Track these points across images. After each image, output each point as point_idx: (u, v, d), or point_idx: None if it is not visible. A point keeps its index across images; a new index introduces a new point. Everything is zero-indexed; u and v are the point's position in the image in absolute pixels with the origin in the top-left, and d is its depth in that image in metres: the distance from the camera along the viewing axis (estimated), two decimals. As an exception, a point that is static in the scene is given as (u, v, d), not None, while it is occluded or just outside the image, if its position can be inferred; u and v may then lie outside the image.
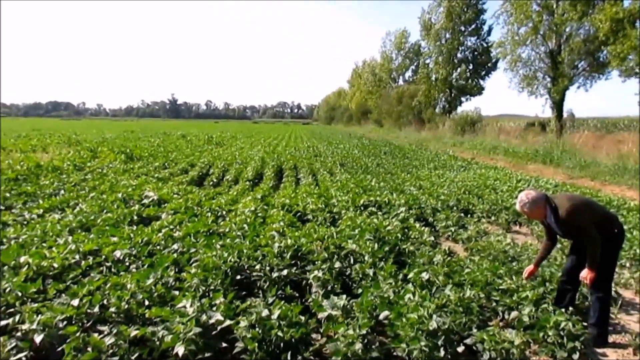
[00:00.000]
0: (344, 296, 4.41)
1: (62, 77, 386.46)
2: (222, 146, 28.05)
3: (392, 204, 9.47)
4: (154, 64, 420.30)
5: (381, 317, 4.16)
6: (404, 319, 3.91)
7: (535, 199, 4.44)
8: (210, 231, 6.99)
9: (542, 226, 4.83)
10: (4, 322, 3.88)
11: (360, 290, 4.91)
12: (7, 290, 4.39)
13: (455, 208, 9.61)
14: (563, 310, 4.25)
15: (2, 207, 8.68)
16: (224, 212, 8.72)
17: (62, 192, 10.43)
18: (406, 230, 7.41)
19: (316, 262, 5.51)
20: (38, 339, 3.58)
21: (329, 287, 4.97)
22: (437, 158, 22.12)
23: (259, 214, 8.38)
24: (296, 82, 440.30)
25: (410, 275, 5.15)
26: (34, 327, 3.67)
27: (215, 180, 14.12)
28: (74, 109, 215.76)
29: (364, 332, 3.69)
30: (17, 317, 3.88)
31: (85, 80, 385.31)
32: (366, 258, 5.67)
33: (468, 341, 3.88)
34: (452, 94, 46.96)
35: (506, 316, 4.57)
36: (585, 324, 4.22)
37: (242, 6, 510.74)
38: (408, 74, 67.26)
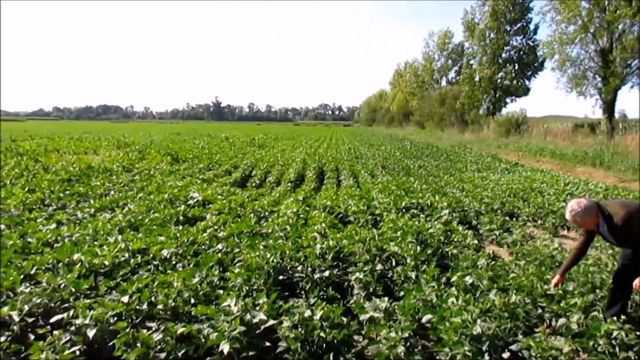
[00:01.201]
0: (386, 298, 4.39)
1: (112, 81, 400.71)
2: (265, 148, 28.39)
3: (434, 207, 9.36)
4: (198, 67, 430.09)
5: (424, 320, 4.12)
6: (447, 323, 3.86)
7: (588, 208, 4.28)
8: (254, 232, 7.10)
9: (585, 233, 4.65)
10: (59, 317, 4.05)
11: (402, 293, 4.88)
12: (62, 286, 4.57)
13: (499, 211, 9.41)
14: (615, 318, 4.09)
15: (57, 206, 9.09)
16: (267, 213, 8.83)
17: (112, 192, 10.83)
18: (449, 233, 7.31)
19: (358, 264, 5.52)
20: (91, 333, 3.72)
21: (371, 289, 4.97)
22: (480, 160, 21.69)
23: (301, 216, 8.44)
24: (337, 84, 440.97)
25: (454, 278, 5.08)
26: (86, 322, 3.82)
27: (257, 181, 14.31)
28: (122, 112, 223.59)
29: (406, 335, 3.67)
30: (71, 312, 4.05)
31: (134, 84, 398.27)
32: (408, 261, 5.63)
33: (513, 347, 3.79)
34: (497, 95, 45.89)
35: (553, 323, 4.43)
36: (638, 333, 4.05)
37: (284, 9, 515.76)
38: (451, 75, 66.21)
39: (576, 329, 4.12)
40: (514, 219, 9.17)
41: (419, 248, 5.99)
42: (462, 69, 52.64)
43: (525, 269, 5.49)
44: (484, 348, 3.59)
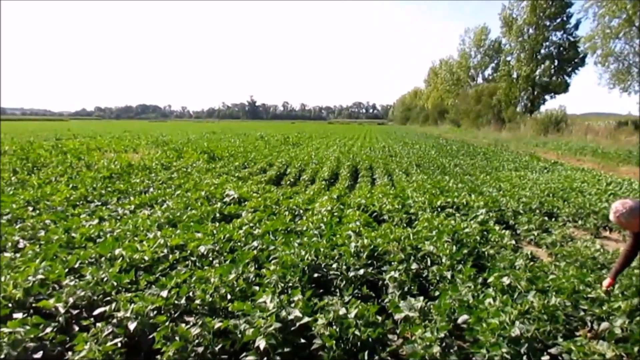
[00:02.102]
0: (421, 298, 4.36)
1: (151, 81, 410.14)
2: (299, 146, 28.54)
3: (470, 206, 9.23)
4: (234, 67, 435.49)
5: (460, 320, 4.07)
6: (484, 324, 3.81)
7: (633, 209, 4.14)
8: (288, 229, 7.15)
9: (633, 235, 4.50)
10: (101, 309, 4.19)
11: (437, 293, 4.84)
12: (104, 279, 4.72)
13: (538, 211, 9.19)
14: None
15: (99, 203, 9.39)
16: (301, 211, 8.89)
17: (151, 189, 11.10)
18: (485, 233, 7.19)
19: (392, 263, 5.50)
20: (132, 326, 3.83)
21: (406, 289, 4.94)
22: (518, 159, 21.24)
23: (335, 214, 8.46)
24: (371, 82, 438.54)
25: (490, 279, 5.00)
26: (128, 315, 3.93)
27: (292, 179, 14.41)
28: (160, 111, 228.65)
29: (442, 335, 3.64)
30: (113, 305, 4.17)
31: (171, 84, 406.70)
32: (444, 260, 5.57)
33: (553, 351, 3.70)
34: (535, 92, 44.83)
35: (595, 327, 4.31)
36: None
37: (317, 8, 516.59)
38: (487, 72, 65.22)
39: (620, 333, 3.99)
40: (553, 219, 8.95)
41: (454, 247, 5.92)
42: (499, 66, 51.72)
43: (566, 271, 5.35)
44: (522, 350, 3.53)
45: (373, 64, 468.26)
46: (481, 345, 3.61)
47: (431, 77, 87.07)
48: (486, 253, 6.14)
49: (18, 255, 5.68)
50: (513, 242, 6.80)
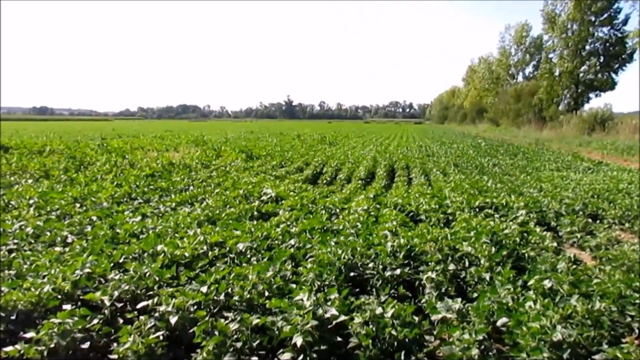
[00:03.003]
0: (459, 299, 4.31)
1: (191, 82, 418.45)
2: (335, 146, 28.57)
3: (509, 207, 9.04)
4: (271, 67, 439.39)
5: (499, 323, 4.01)
6: (524, 328, 3.73)
7: None
8: (325, 228, 7.19)
9: None
10: (144, 303, 4.32)
11: (475, 295, 4.77)
12: (147, 274, 4.86)
13: (581, 213, 8.92)
14: None
15: (142, 200, 9.68)
16: (338, 210, 8.91)
17: (191, 188, 11.35)
18: (525, 234, 7.03)
19: (429, 263, 5.45)
20: (173, 320, 3.93)
21: (443, 289, 4.89)
22: (560, 159, 20.64)
23: (372, 213, 8.44)
24: (408, 81, 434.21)
25: (531, 282, 4.89)
26: (169, 309, 4.04)
27: (328, 178, 14.46)
28: (200, 111, 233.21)
29: (480, 337, 3.59)
30: (156, 300, 4.30)
31: (211, 84, 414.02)
32: (482, 261, 5.49)
33: (597, 357, 3.59)
34: (579, 90, 43.38)
35: (643, 333, 4.17)
36: None
37: (354, 7, 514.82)
38: (528, 69, 63.58)
39: (669, 341, 3.85)
40: (598, 221, 8.66)
41: (493, 249, 5.81)
42: (541, 63, 50.31)
43: (611, 275, 5.17)
44: (564, 356, 3.44)
45: (410, 63, 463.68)
46: (521, 349, 3.55)
47: (469, 76, 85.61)
48: (526, 255, 6.01)
49: (67, 249, 5.94)
50: (555, 244, 6.61)
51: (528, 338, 3.60)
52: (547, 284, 4.75)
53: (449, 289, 4.91)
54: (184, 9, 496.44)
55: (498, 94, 64.37)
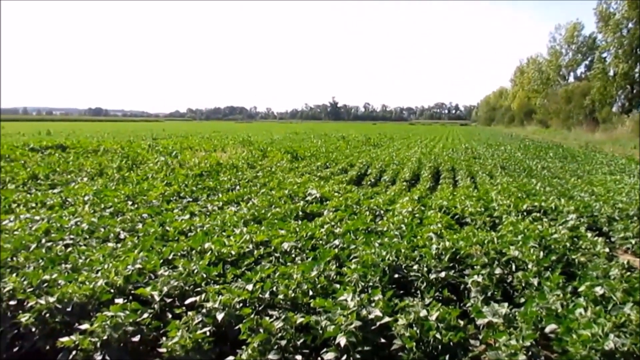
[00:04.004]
0: (505, 304, 4.21)
1: (238, 84, 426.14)
2: (380, 147, 28.45)
3: (559, 211, 8.75)
4: (317, 69, 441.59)
5: (547, 330, 3.90)
6: (574, 335, 3.61)
7: None
8: (369, 229, 7.17)
9: None
10: (192, 299, 4.44)
11: (522, 300, 4.65)
12: (195, 271, 4.99)
13: (635, 218, 8.51)
14: None
15: (190, 199, 9.95)
16: (382, 212, 8.88)
17: (238, 187, 11.57)
18: (575, 239, 6.78)
19: (475, 267, 5.35)
20: (219, 316, 4.01)
21: (489, 294, 4.79)
22: (613, 162, 19.81)
23: (416, 215, 8.37)
24: (454, 82, 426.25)
25: (581, 288, 4.71)
26: (216, 305, 4.13)
27: (373, 180, 14.42)
28: (247, 112, 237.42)
29: (527, 343, 3.50)
30: (203, 296, 4.40)
31: (257, 86, 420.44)
32: (530, 266, 5.34)
33: (652, 368, 3.44)
34: (634, 91, 41.39)
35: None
36: None
37: (399, 8, 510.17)
38: (580, 70, 61.19)
39: None
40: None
41: (542, 253, 5.64)
42: (594, 63, 48.34)
43: (669, 283, 4.93)
44: (617, 365, 3.32)
45: (456, 64, 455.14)
46: (571, 357, 3.44)
47: (518, 77, 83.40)
48: (576, 260, 5.80)
49: (119, 245, 6.16)
50: (607, 250, 6.34)
51: (578, 346, 3.48)
52: (599, 290, 4.57)
53: (495, 293, 4.80)
54: (233, 13, 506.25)
55: (547, 95, 62.41)
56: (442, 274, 5.07)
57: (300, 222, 7.56)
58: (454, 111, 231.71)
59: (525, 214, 8.70)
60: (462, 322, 3.94)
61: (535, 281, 4.94)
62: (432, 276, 5.05)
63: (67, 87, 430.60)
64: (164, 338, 3.85)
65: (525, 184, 12.40)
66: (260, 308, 4.33)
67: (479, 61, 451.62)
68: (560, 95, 55.27)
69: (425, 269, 5.22)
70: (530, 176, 15.09)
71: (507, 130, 68.00)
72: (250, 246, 6.00)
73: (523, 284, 5.02)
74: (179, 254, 5.76)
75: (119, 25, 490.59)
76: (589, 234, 7.00)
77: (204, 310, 4.15)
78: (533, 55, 74.07)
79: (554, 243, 6.28)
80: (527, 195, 10.51)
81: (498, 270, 5.22)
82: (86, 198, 9.40)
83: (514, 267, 5.51)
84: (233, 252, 5.72)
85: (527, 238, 6.23)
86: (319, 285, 4.69)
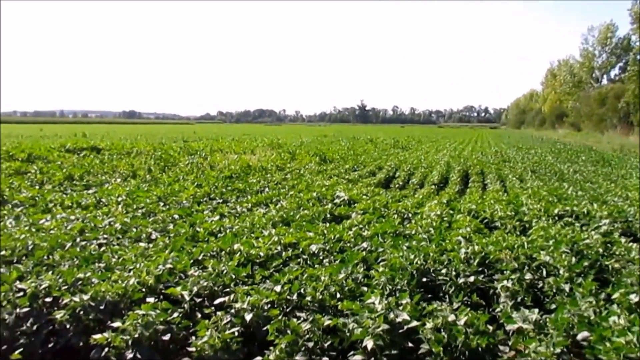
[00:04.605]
0: (536, 310, 4.13)
1: (267, 87, 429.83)
2: (408, 150, 28.28)
3: (591, 215, 8.53)
4: (346, 73, 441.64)
5: (579, 337, 3.80)
6: (607, 343, 3.52)
7: None
8: (397, 232, 7.13)
9: None
10: (221, 300, 4.50)
11: (553, 306, 4.55)
12: (224, 272, 5.05)
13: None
14: None
15: (220, 200, 10.09)
16: (410, 215, 8.83)
17: (267, 189, 11.68)
18: (609, 245, 6.59)
19: (505, 272, 5.27)
20: (248, 317, 4.05)
21: (519, 299, 4.71)
22: (649, 166, 19.22)
23: (445, 219, 8.30)
24: (484, 85, 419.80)
25: (615, 295, 4.58)
26: (244, 306, 4.16)
27: (401, 183, 14.37)
28: (276, 115, 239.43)
29: (558, 350, 3.43)
30: (232, 296, 4.45)
31: (286, 89, 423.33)
32: (561, 272, 5.23)
33: (689, 378, 3.33)
34: (670, 93, 40.06)
35: None
36: None
37: (429, 9, 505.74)
38: (614, 72, 59.54)
39: None
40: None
41: (573, 259, 5.51)
42: (629, 65, 46.97)
43: None
44: (652, 374, 3.22)
45: (486, 66, 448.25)
46: (603, 365, 3.36)
47: (549, 79, 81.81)
48: (610, 267, 5.65)
49: (151, 245, 6.29)
50: (643, 256, 6.18)
51: (612, 354, 3.39)
52: (634, 298, 4.44)
53: (525, 299, 4.72)
54: (263, 17, 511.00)
55: (580, 97, 60.98)
56: (471, 279, 5.00)
57: (328, 224, 7.56)
58: (483, 114, 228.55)
59: (556, 218, 8.52)
60: (491, 328, 3.88)
61: (566, 287, 4.84)
62: (461, 280, 4.99)
63: (102, 91, 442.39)
64: (193, 337, 3.90)
65: (556, 188, 12.14)
66: (288, 309, 4.36)
67: (509, 63, 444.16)
68: (593, 98, 53.98)
69: (454, 273, 5.16)
70: (561, 180, 14.80)
71: (538, 133, 66.67)
72: (279, 248, 6.04)
73: (554, 290, 4.92)
74: (209, 254, 5.84)
75: (153, 31, 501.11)
76: (623, 240, 6.81)
77: (232, 311, 4.20)
78: (565, 57, 72.52)
79: (586, 248, 6.13)
80: (558, 199, 10.29)
81: (528, 276, 5.13)
82: (119, 199, 9.63)
83: (544, 272, 5.40)
84: (261, 254, 5.77)
85: (558, 243, 6.10)
86: (346, 288, 4.68)
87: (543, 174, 16.42)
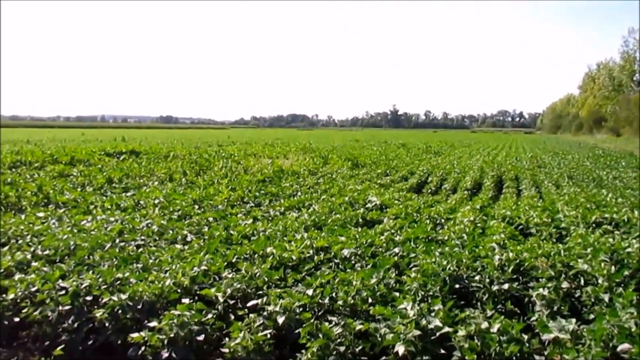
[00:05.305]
0: (573, 320, 4.04)
1: (300, 92, 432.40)
2: (440, 155, 27.99)
3: (633, 223, 8.26)
4: (378, 77, 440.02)
5: (619, 349, 3.70)
6: (649, 357, 3.43)
7: None
8: (429, 238, 7.10)
9: None
10: (254, 302, 4.56)
11: (592, 316, 4.44)
12: (257, 274, 5.14)
13: None
14: None
15: (253, 204, 10.23)
16: (442, 220, 8.76)
17: (299, 193, 11.77)
18: (652, 253, 6.39)
19: (540, 280, 5.17)
20: (280, 320, 4.10)
21: (555, 308, 4.61)
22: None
23: (478, 225, 8.18)
24: (518, 89, 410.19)
25: (659, 307, 4.45)
26: (277, 309, 4.22)
27: (433, 188, 14.27)
28: (308, 120, 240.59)
29: (596, 362, 3.36)
30: (264, 299, 4.51)
31: (319, 94, 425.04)
32: (600, 281, 5.09)
33: None
34: None
35: None
36: None
37: (460, 13, 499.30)
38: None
39: None
40: None
41: (613, 268, 5.35)
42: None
43: None
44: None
45: (520, 70, 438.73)
46: (644, 378, 3.26)
47: (587, 83, 79.74)
48: (652, 277, 5.47)
49: (186, 247, 6.44)
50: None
51: (654, 367, 3.30)
52: (678, 310, 4.30)
53: (562, 308, 4.61)
54: (293, 22, 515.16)
55: (619, 101, 59.11)
56: (505, 286, 4.93)
57: (360, 229, 7.58)
58: (517, 119, 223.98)
59: (594, 226, 8.29)
60: (525, 336, 3.82)
61: (606, 297, 4.71)
62: (495, 287, 4.93)
63: (141, 97, 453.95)
64: (227, 338, 3.99)
65: (594, 195, 11.80)
66: (319, 313, 4.39)
67: (545, 67, 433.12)
68: (633, 102, 52.34)
69: (487, 280, 5.10)
70: (600, 186, 14.39)
71: (575, 138, 64.94)
72: (311, 252, 6.09)
73: (592, 300, 4.80)
74: (242, 257, 5.93)
75: (191, 40, 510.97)
76: (667, 248, 6.58)
77: (265, 313, 4.26)
78: (604, 60, 70.54)
79: (626, 257, 5.94)
80: (596, 206, 10.01)
81: (565, 284, 5.01)
82: (156, 201, 9.87)
83: (582, 281, 5.27)
84: (294, 257, 5.83)
85: (597, 251, 5.94)
86: (378, 293, 4.68)
87: (580, 180, 16.02)
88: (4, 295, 4.78)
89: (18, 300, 4.75)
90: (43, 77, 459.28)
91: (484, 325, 3.81)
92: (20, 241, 6.58)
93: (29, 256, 5.83)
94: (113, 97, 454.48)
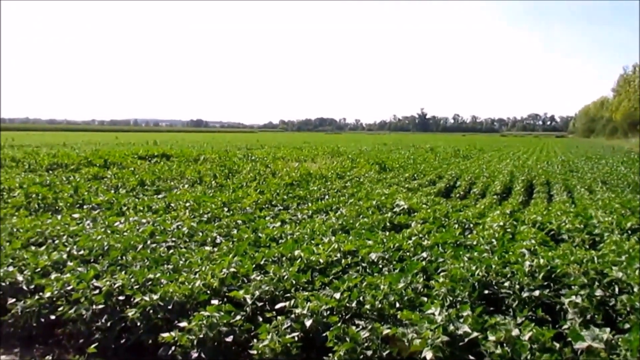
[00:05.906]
0: (607, 329, 3.95)
1: (328, 96, 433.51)
2: (469, 159, 27.66)
3: (670, 230, 8.02)
4: (406, 81, 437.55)
5: (655, 360, 3.61)
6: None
7: None
8: (458, 243, 7.01)
9: None
10: (282, 304, 4.60)
11: (627, 325, 4.33)
12: (285, 277, 5.17)
13: None
14: None
15: (281, 207, 10.31)
16: (471, 225, 8.65)
17: (327, 197, 11.80)
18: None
19: (572, 287, 5.06)
20: (308, 323, 4.13)
21: (588, 316, 4.50)
22: None
23: (508, 230, 8.07)
24: (550, 92, 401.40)
25: (697, 317, 4.32)
26: (304, 312, 4.25)
27: (462, 192, 14.13)
28: (336, 124, 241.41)
29: (631, 372, 3.28)
30: (292, 302, 4.55)
31: (346, 98, 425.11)
32: (635, 289, 4.95)
33: None
34: None
35: None
36: None
37: (488, 15, 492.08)
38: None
39: None
40: None
41: (650, 276, 5.22)
42: None
43: None
44: None
45: (552, 72, 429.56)
46: (681, 390, 3.17)
47: (622, 86, 77.57)
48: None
49: (215, 249, 6.54)
50: None
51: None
52: None
53: (596, 316, 4.51)
54: (321, 28, 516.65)
55: (656, 105, 57.42)
56: (536, 293, 4.84)
57: (387, 233, 7.56)
58: (549, 122, 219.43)
59: (630, 232, 8.07)
60: (557, 345, 3.75)
61: (641, 306, 4.59)
62: (525, 294, 4.85)
63: (172, 101, 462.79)
64: (255, 340, 4.03)
65: (629, 200, 11.48)
66: (346, 317, 4.39)
67: (578, 69, 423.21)
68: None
69: (518, 286, 5.02)
70: (636, 192, 13.98)
71: (609, 142, 63.25)
72: (338, 255, 6.09)
73: (628, 309, 4.67)
74: (270, 259, 5.98)
75: (220, 46, 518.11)
76: None
77: (292, 316, 4.29)
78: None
79: (664, 265, 5.78)
80: (632, 212, 9.74)
81: (599, 292, 4.89)
82: (187, 204, 10.04)
83: (617, 289, 5.13)
84: (321, 260, 5.85)
85: (632, 259, 5.78)
86: (405, 298, 4.66)
87: (615, 185, 15.61)
88: (40, 294, 4.93)
89: (54, 299, 4.90)
90: (80, 82, 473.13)
91: (515, 332, 3.75)
92: (56, 241, 6.78)
93: (64, 256, 6.00)
94: (145, 101, 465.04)
